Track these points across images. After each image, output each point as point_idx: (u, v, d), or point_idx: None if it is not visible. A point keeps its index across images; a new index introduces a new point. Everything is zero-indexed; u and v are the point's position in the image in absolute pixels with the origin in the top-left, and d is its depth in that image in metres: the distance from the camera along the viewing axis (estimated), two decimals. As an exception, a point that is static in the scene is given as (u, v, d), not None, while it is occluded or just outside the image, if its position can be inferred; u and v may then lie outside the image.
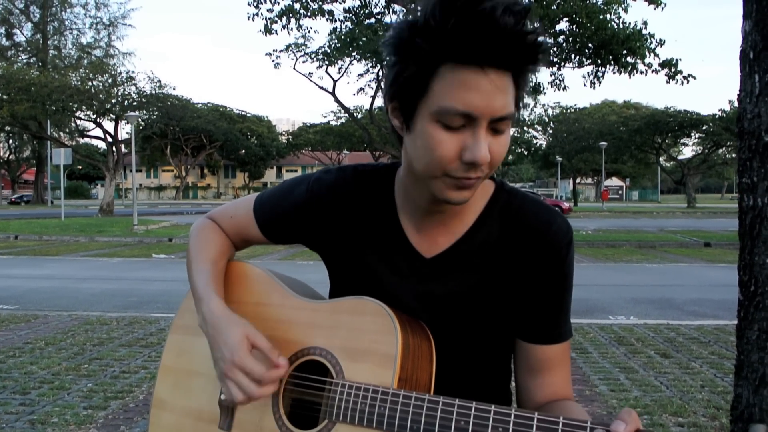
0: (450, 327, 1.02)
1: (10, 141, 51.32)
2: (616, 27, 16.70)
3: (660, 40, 17.01)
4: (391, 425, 0.89)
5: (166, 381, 1.18)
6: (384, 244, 1.05)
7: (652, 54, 17.10)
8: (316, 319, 1.02)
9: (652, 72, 17.42)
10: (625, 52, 17.07)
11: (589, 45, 17.37)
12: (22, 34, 45.33)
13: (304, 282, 1.18)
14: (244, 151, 60.40)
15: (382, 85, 1.01)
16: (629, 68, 17.47)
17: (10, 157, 54.97)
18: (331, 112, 52.81)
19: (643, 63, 17.31)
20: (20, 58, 44.02)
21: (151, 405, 1.19)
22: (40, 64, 40.57)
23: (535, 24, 0.81)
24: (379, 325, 0.93)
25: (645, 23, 16.92)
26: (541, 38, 0.82)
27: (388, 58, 0.90)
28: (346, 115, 31.98)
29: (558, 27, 17.38)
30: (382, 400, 0.90)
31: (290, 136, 60.06)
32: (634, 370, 4.47)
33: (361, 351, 0.95)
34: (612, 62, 17.58)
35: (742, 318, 2.00)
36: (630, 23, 16.94)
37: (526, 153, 64.30)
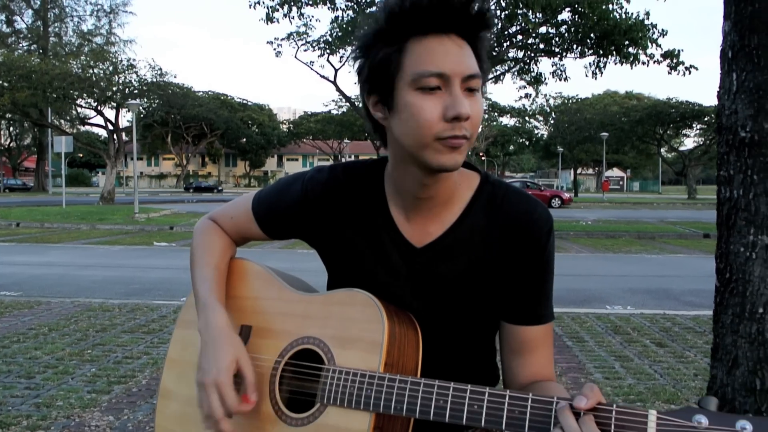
0: (440, 312, 1.09)
1: (11, 128, 51.28)
2: (618, 17, 16.61)
3: (662, 30, 16.94)
4: (377, 406, 0.95)
5: (171, 372, 1.25)
6: (376, 235, 1.11)
7: (654, 44, 17.03)
8: (309, 310, 1.08)
9: (654, 63, 17.36)
10: (627, 42, 16.99)
11: (591, 35, 17.29)
12: (23, 21, 45.18)
13: (299, 277, 1.24)
14: (245, 139, 60.35)
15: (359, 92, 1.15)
16: (631, 59, 17.39)
17: (11, 145, 54.95)
18: (333, 101, 52.64)
19: (645, 54, 17.22)
20: (21, 45, 43.85)
21: (157, 395, 1.26)
22: (41, 51, 40.40)
23: None
24: (368, 314, 1.00)
25: (647, 14, 16.85)
26: (486, 5, 0.95)
27: (359, 63, 1.01)
28: (348, 104, 31.94)
29: (560, 17, 17.31)
30: (369, 383, 0.96)
31: (291, 125, 60.01)
32: (629, 359, 4.53)
33: (351, 339, 1.01)
34: (614, 53, 17.50)
35: (718, 303, 2.11)
36: (632, 13, 16.85)
37: (527, 143, 64.24)
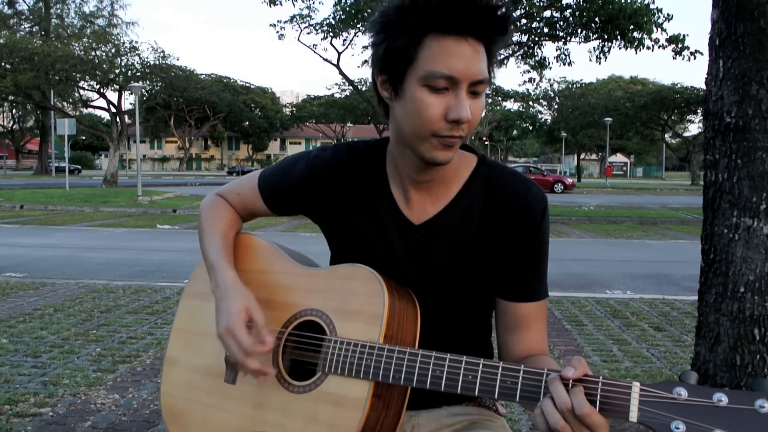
0: (437, 288, 1.13)
1: (14, 111, 51.25)
2: (623, 1, 16.49)
3: (667, 15, 16.81)
4: (376, 375, 0.99)
5: (177, 341, 1.29)
6: (377, 213, 1.15)
7: (659, 29, 16.91)
8: (313, 284, 1.13)
9: (659, 48, 17.25)
10: (631, 26, 16.87)
11: (596, 19, 17.17)
12: (25, 2, 44.85)
13: (303, 254, 1.28)
14: (247, 122, 60.22)
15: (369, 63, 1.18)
16: (636, 43, 17.29)
17: (14, 127, 54.95)
18: (336, 84, 52.49)
19: (650, 38, 17.11)
20: (23, 26, 43.64)
21: (163, 363, 1.30)
22: (43, 33, 40.21)
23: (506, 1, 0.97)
24: (369, 288, 1.04)
25: (653, -3, 16.71)
26: (509, 12, 0.97)
27: (374, 38, 1.03)
28: (351, 87, 31.84)
29: (564, 1, 17.18)
30: (369, 353, 1.00)
31: (294, 108, 59.93)
32: (627, 342, 4.58)
33: (352, 311, 1.05)
34: (618, 37, 17.39)
35: (702, 283, 2.19)
36: (637, -3, 16.72)
37: (530, 128, 64.00)
